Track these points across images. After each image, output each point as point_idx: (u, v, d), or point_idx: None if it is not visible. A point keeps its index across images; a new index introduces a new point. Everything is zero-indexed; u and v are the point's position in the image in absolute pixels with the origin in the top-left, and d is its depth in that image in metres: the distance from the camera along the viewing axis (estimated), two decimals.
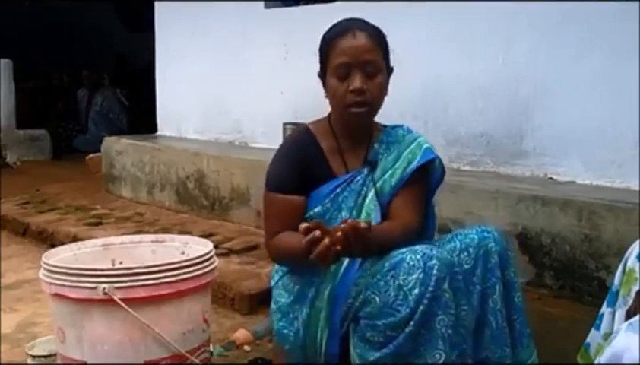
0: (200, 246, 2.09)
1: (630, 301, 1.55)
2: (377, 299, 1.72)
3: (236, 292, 2.93)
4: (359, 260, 1.85)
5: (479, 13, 3.35)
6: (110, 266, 2.04)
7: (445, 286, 1.66)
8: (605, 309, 1.65)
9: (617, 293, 1.60)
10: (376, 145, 1.99)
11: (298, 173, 1.95)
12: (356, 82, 1.85)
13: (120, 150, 5.22)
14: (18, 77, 7.75)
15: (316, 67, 1.95)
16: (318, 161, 1.98)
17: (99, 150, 5.68)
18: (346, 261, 1.86)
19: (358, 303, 1.79)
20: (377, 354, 1.70)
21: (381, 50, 1.91)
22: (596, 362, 1.31)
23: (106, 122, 8.72)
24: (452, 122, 3.52)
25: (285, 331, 1.94)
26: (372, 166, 1.97)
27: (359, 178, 1.95)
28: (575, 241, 2.68)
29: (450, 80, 3.48)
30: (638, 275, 1.54)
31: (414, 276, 1.65)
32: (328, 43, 1.91)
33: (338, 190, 1.94)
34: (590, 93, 3.01)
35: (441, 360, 1.66)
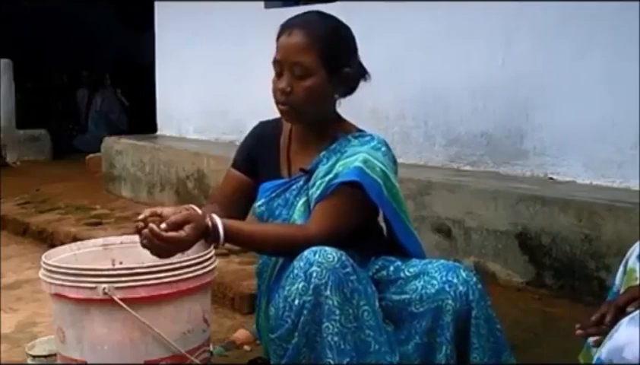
0: (200, 246, 2.09)
1: None
2: (273, 311, 1.71)
3: (235, 292, 2.93)
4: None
5: (479, 13, 3.35)
6: (110, 266, 2.03)
7: (327, 292, 1.59)
8: None
9: (618, 293, 1.60)
10: (324, 153, 1.88)
11: (248, 157, 2.00)
12: (281, 82, 1.83)
13: (120, 150, 5.22)
14: (18, 77, 7.75)
15: None
16: (270, 154, 1.98)
17: (99, 150, 5.69)
18: (274, 275, 1.87)
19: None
20: None
21: (318, 52, 1.80)
22: (597, 355, 1.31)
23: (106, 122, 8.73)
24: (452, 122, 3.52)
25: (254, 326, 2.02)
26: (310, 175, 1.88)
27: (294, 187, 1.90)
28: (575, 241, 2.68)
29: (450, 80, 3.47)
30: (638, 275, 1.54)
31: (296, 286, 1.62)
32: (277, 36, 1.90)
33: (273, 195, 1.91)
34: (590, 93, 3.01)
35: None
